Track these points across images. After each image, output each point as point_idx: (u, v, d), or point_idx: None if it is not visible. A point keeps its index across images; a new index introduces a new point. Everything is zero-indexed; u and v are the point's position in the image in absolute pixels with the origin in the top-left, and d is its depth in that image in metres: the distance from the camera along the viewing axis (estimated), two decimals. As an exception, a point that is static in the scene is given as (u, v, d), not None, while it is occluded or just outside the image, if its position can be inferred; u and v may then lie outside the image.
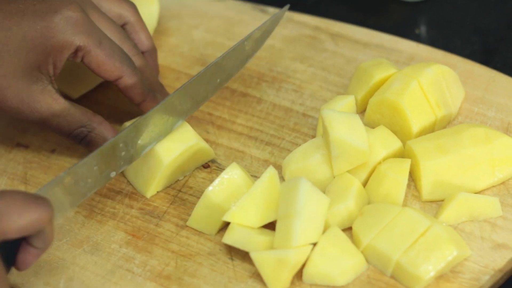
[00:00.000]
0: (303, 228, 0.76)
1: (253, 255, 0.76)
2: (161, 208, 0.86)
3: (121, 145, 0.83)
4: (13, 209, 0.70)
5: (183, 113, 0.87)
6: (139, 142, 0.84)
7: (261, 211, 0.80)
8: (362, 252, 0.79)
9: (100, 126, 0.87)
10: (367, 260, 0.79)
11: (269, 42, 1.02)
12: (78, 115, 0.86)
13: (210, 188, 0.82)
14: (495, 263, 0.78)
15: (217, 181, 0.82)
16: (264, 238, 0.78)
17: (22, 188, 0.89)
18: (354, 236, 0.80)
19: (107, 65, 0.85)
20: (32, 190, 0.88)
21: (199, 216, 0.83)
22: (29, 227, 0.71)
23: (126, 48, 0.88)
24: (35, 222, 0.71)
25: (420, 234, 0.77)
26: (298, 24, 1.04)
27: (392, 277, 0.78)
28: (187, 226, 0.84)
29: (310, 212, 0.76)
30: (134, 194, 0.87)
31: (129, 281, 0.80)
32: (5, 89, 0.83)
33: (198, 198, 0.84)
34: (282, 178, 0.87)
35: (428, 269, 0.76)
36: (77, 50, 0.83)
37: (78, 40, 0.83)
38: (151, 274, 0.80)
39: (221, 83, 0.91)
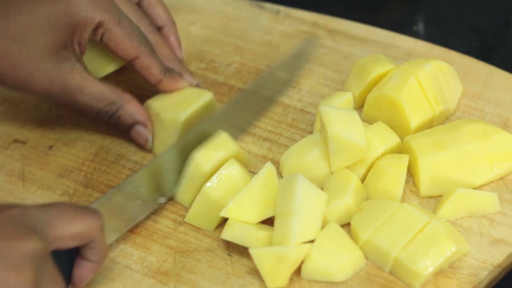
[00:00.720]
0: (301, 226, 0.76)
1: (252, 252, 0.76)
2: (159, 204, 0.86)
3: (164, 167, 0.84)
4: (65, 216, 0.70)
5: None
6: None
7: (259, 207, 0.80)
8: (360, 248, 0.78)
9: (129, 104, 0.87)
10: (365, 256, 0.79)
11: (266, 38, 1.02)
12: (107, 92, 0.86)
13: (208, 184, 0.82)
14: (494, 259, 0.78)
15: (215, 177, 0.82)
16: (262, 233, 0.78)
17: (19, 184, 0.88)
18: (353, 232, 0.80)
19: (126, 44, 0.85)
20: (29, 186, 0.88)
21: (197, 212, 0.83)
22: (80, 234, 0.71)
23: (143, 26, 0.88)
24: (86, 229, 0.71)
25: (418, 230, 0.77)
26: (296, 20, 1.04)
27: (390, 273, 0.78)
28: (185, 222, 0.84)
29: (307, 210, 0.76)
30: (131, 190, 0.87)
31: (127, 277, 0.80)
32: (33, 71, 0.83)
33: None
34: (280, 174, 0.86)
35: (427, 265, 0.76)
36: (98, 26, 0.84)
37: (99, 16, 0.83)
38: (149, 270, 0.80)
39: (259, 112, 0.93)
